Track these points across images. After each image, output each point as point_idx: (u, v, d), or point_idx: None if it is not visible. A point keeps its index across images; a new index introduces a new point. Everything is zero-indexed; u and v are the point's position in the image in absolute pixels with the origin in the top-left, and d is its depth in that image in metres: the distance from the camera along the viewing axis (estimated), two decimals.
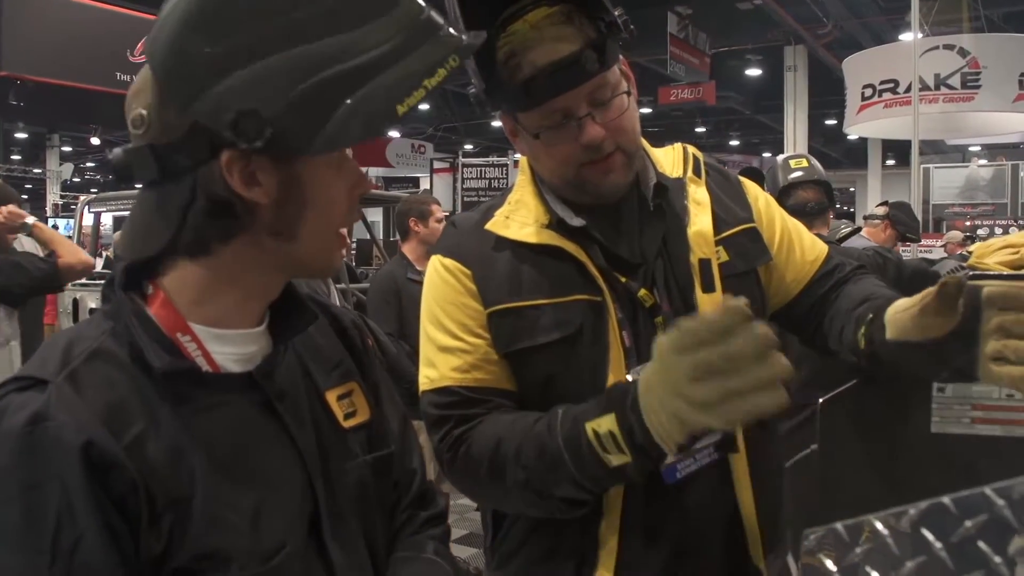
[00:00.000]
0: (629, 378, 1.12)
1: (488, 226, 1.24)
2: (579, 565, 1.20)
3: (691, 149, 1.34)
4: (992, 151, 16.85)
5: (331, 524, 0.89)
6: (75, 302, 5.55)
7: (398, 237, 4.55)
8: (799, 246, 1.34)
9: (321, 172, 0.83)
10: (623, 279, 1.20)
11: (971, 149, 17.91)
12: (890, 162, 20.32)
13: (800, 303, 1.32)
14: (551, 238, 1.20)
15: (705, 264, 1.21)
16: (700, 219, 1.24)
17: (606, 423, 1.02)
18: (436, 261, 1.26)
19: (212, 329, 0.85)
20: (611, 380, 1.15)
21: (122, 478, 0.75)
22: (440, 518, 1.07)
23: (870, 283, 1.28)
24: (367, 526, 0.95)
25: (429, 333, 1.24)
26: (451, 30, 0.84)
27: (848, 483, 1.28)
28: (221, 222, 0.82)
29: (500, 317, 1.19)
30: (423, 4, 0.83)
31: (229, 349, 0.86)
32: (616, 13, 1.16)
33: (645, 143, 1.30)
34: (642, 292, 1.19)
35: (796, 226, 1.37)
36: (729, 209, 1.28)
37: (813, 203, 3.15)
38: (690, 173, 1.29)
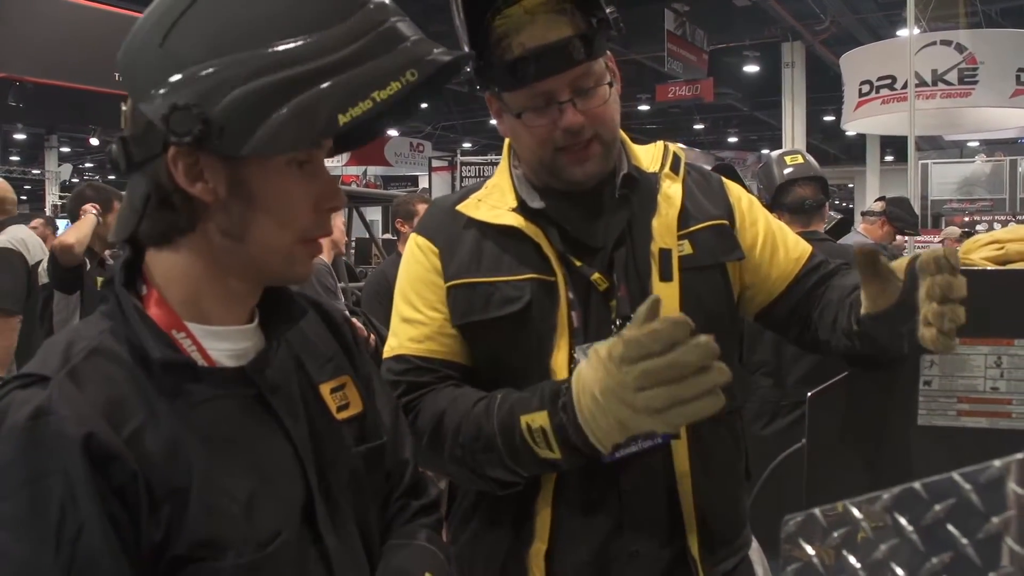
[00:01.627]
0: (575, 355, 1.19)
1: (460, 207, 1.33)
2: (517, 536, 1.26)
3: (672, 147, 1.38)
4: (990, 147, 16.86)
5: (325, 512, 0.92)
6: None
7: (396, 236, 4.64)
8: (783, 245, 1.37)
9: (274, 177, 0.85)
10: (578, 263, 1.25)
11: (969, 145, 17.93)
12: (888, 158, 20.33)
13: (785, 300, 1.36)
14: (512, 219, 1.26)
15: (665, 254, 1.26)
16: (666, 212, 1.28)
17: (539, 419, 1.09)
18: (413, 238, 1.35)
19: (206, 326, 0.88)
20: (556, 358, 1.22)
21: (122, 469, 0.77)
22: (433, 507, 1.10)
23: (853, 275, 1.31)
24: (360, 515, 0.98)
25: (396, 306, 1.34)
26: (419, 42, 0.83)
27: (836, 476, 1.30)
28: (170, 214, 0.85)
29: (457, 291, 1.27)
30: (388, 13, 0.83)
31: (223, 345, 0.89)
32: (608, 11, 1.21)
33: (626, 139, 1.35)
34: (595, 276, 1.25)
35: (780, 226, 1.41)
36: (701, 206, 1.32)
37: (811, 199, 3.14)
38: (666, 169, 1.33)
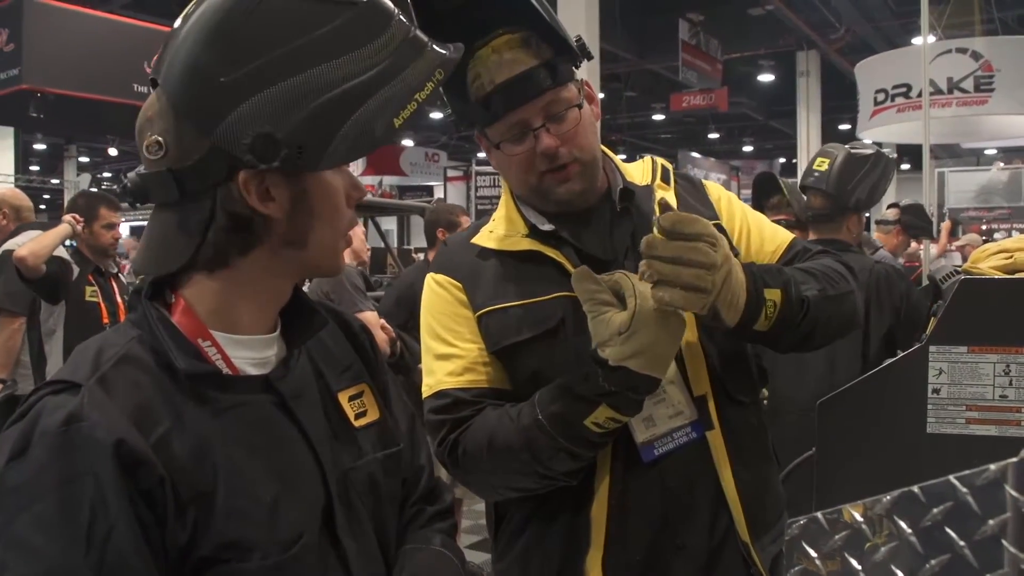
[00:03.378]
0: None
1: (474, 240, 1.38)
2: (572, 546, 1.29)
3: (660, 160, 1.45)
4: (1008, 154, 16.74)
5: (344, 517, 0.94)
6: None
7: (411, 246, 4.61)
8: (759, 236, 1.41)
9: (326, 183, 0.90)
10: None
11: (986, 152, 17.80)
12: (905, 166, 20.20)
13: None
14: (530, 244, 1.32)
15: None
16: None
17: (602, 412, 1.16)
18: (430, 279, 1.38)
19: (231, 335, 0.91)
20: None
21: (150, 473, 0.80)
22: (447, 513, 1.12)
23: (825, 259, 1.35)
24: (378, 520, 1.00)
25: (427, 344, 1.35)
26: (434, 46, 0.91)
27: (846, 483, 1.31)
28: (240, 237, 0.88)
29: (488, 318, 1.31)
30: (410, 25, 0.90)
31: (247, 353, 0.92)
32: (575, 37, 1.29)
33: (614, 156, 1.42)
34: None
35: (759, 217, 1.45)
36: (693, 210, 1.36)
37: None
38: (658, 180, 1.39)
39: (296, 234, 0.90)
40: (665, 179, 1.41)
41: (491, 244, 1.36)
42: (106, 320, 3.93)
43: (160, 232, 0.90)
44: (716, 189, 1.46)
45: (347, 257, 3.48)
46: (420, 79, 0.88)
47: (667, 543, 1.28)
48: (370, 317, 3.26)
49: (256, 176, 0.85)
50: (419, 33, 0.90)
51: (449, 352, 1.32)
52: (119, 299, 4.04)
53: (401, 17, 0.89)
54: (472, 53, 1.26)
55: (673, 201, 1.37)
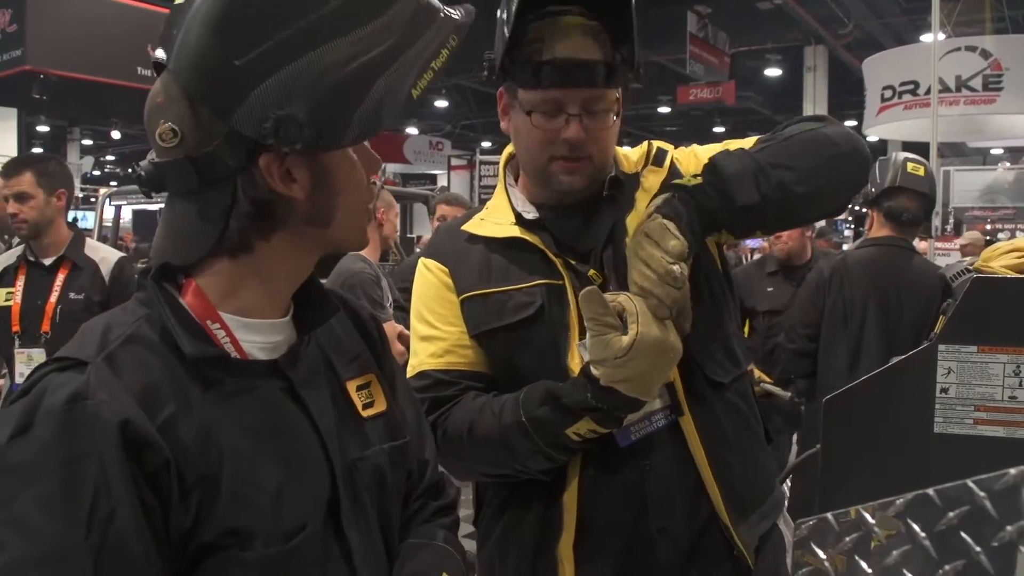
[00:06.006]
0: (579, 350, 1.26)
1: (464, 226, 1.41)
2: (545, 530, 1.32)
3: (656, 144, 1.46)
4: (1014, 154, 16.69)
5: (349, 508, 0.93)
6: None
7: (414, 234, 4.62)
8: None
9: (346, 160, 0.90)
10: (573, 262, 1.33)
11: (993, 152, 17.75)
12: None
13: None
14: (515, 231, 1.35)
15: None
16: (640, 205, 1.35)
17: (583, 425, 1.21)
18: (420, 263, 1.43)
19: (241, 318, 0.90)
20: (572, 356, 1.29)
21: (155, 456, 0.79)
22: (451, 508, 1.11)
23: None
24: (383, 513, 0.99)
25: (413, 326, 1.41)
26: (447, 10, 0.89)
27: (851, 482, 1.29)
28: (264, 221, 0.87)
29: (471, 302, 1.35)
30: None
31: (256, 338, 0.91)
32: (639, 60, 1.31)
33: (618, 149, 1.43)
34: (591, 272, 1.33)
35: (711, 148, 1.42)
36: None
37: (910, 214, 3.08)
38: (649, 165, 1.40)
39: (319, 213, 0.89)
40: (658, 161, 1.41)
41: (479, 230, 1.39)
42: (15, 328, 3.08)
43: (181, 221, 0.88)
44: (682, 153, 1.45)
45: (376, 244, 3.39)
46: (434, 47, 0.87)
47: (648, 527, 1.30)
48: (387, 328, 3.21)
49: (277, 159, 0.84)
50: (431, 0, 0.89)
51: (432, 334, 1.37)
52: (53, 300, 3.09)
53: None
54: (540, 15, 1.28)
55: (656, 184, 1.37)
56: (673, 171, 1.41)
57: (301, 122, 0.81)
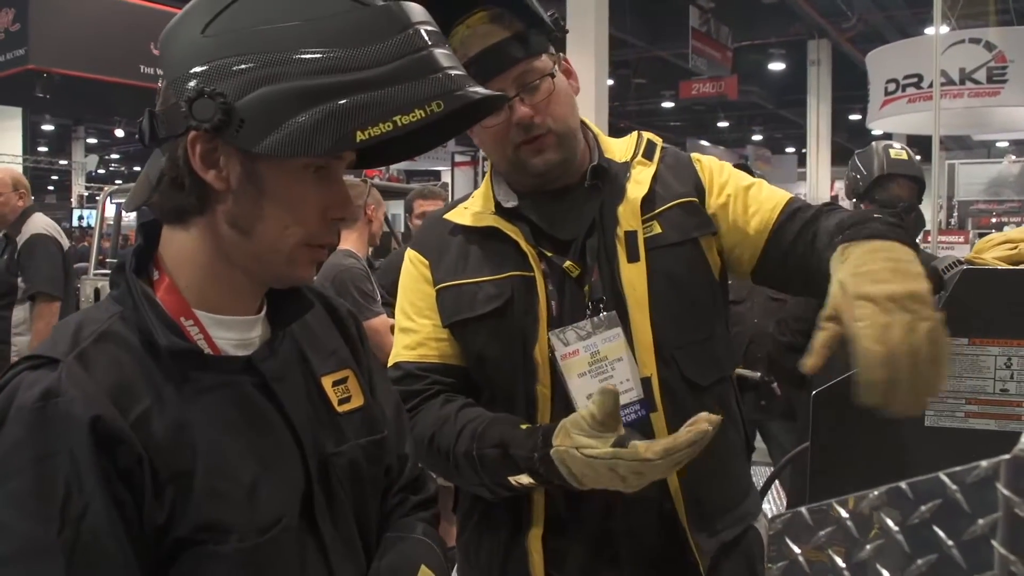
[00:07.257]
0: (551, 341, 1.29)
1: (447, 216, 1.41)
2: (516, 523, 1.32)
3: (647, 135, 1.45)
4: (1019, 147, 16.63)
5: (323, 502, 0.93)
6: (96, 292, 5.60)
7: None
8: (756, 199, 1.38)
9: (288, 177, 0.86)
10: (548, 254, 1.33)
11: (998, 145, 17.69)
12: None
13: (772, 251, 1.35)
14: (492, 221, 1.35)
15: (631, 236, 1.32)
16: (633, 196, 1.34)
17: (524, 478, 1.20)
18: (406, 254, 1.44)
19: (214, 315, 0.90)
20: (538, 348, 1.29)
21: (128, 452, 0.79)
22: (431, 502, 1.11)
23: (839, 214, 1.30)
24: (359, 507, 0.99)
25: (396, 318, 1.42)
26: (454, 75, 0.83)
27: (841, 477, 1.28)
28: (179, 195, 0.87)
29: (445, 293, 1.36)
30: (430, 41, 0.84)
31: (230, 334, 0.91)
32: (549, 13, 1.31)
33: (599, 133, 1.43)
34: (567, 264, 1.32)
35: (753, 182, 1.42)
36: (669, 186, 1.37)
37: (905, 201, 2.99)
38: (639, 157, 1.39)
39: (239, 216, 0.87)
40: (648, 155, 1.40)
41: (460, 220, 1.39)
42: None
43: (145, 171, 0.91)
44: (708, 161, 1.44)
45: (362, 240, 3.43)
46: (408, 101, 0.80)
47: (614, 527, 1.29)
48: (378, 323, 3.21)
49: (206, 140, 0.83)
50: (439, 54, 0.84)
51: (408, 326, 1.38)
52: None
53: (422, 31, 0.84)
54: (450, 31, 1.28)
55: (648, 178, 1.36)
56: (685, 175, 1.39)
57: (220, 107, 0.80)
